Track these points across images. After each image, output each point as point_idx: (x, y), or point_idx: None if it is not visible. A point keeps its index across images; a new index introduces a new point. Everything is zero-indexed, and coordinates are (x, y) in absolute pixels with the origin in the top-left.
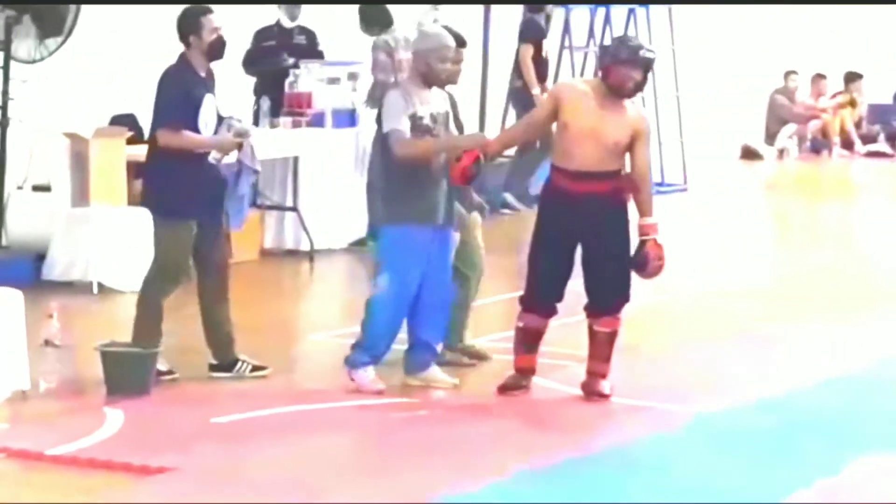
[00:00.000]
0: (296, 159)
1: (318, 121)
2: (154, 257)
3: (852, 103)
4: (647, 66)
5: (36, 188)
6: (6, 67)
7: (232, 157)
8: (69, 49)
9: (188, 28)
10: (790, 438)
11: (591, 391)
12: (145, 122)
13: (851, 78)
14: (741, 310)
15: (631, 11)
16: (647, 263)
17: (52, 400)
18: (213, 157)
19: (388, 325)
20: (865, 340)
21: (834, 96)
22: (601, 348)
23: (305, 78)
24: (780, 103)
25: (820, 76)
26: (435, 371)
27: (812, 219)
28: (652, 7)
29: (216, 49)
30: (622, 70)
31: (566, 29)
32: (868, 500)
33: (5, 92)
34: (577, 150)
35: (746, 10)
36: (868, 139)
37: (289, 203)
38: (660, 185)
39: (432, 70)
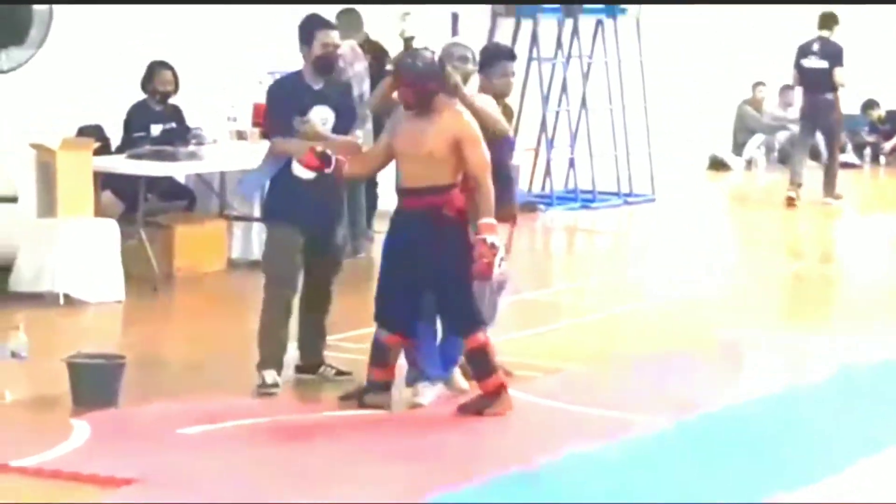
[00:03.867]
0: None
1: None
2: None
3: None
4: (402, 78)
5: (2, 199)
6: None
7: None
8: (36, 59)
9: (301, 37)
10: (755, 448)
11: (464, 406)
12: (112, 133)
13: None
14: (709, 319)
15: (599, 23)
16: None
17: (19, 411)
18: (299, 171)
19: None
20: (830, 350)
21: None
22: (470, 367)
23: None
24: (748, 114)
25: (788, 87)
26: (455, 376)
27: (780, 229)
28: (620, 17)
29: (321, 64)
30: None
31: (534, 40)
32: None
33: None
34: (401, 168)
35: (714, 20)
36: None
37: (256, 214)
38: (628, 195)
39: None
